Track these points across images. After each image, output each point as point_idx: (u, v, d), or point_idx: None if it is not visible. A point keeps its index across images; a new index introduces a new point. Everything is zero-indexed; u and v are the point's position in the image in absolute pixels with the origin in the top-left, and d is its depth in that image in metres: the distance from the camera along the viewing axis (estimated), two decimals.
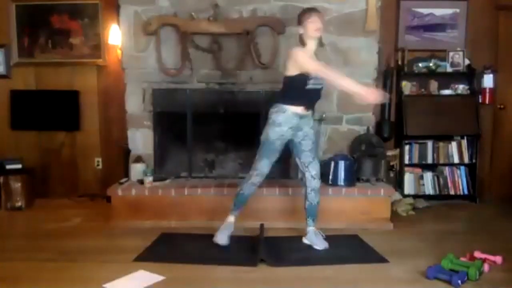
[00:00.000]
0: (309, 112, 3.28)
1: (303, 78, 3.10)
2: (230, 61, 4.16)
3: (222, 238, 3.29)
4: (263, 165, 3.23)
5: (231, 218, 3.34)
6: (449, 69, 4.71)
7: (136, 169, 4.09)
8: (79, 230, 3.78)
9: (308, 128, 3.27)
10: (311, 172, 3.28)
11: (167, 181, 4.07)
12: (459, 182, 4.70)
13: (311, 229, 3.32)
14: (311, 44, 3.17)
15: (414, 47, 4.73)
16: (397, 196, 4.35)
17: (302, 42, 3.19)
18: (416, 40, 4.77)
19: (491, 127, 4.85)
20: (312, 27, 3.11)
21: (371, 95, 2.98)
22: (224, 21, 4.09)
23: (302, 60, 3.08)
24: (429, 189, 4.70)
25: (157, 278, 2.74)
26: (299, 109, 3.18)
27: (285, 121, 3.15)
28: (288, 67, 3.15)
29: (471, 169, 4.70)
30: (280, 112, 3.16)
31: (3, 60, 4.77)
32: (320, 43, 3.25)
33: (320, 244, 3.25)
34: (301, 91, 3.13)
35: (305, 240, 3.35)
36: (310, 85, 3.12)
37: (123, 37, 4.21)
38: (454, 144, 4.69)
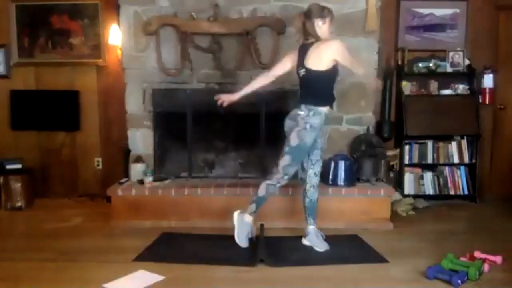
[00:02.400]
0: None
1: (337, 70, 3.10)
2: (230, 61, 4.16)
3: (245, 241, 3.25)
4: (293, 169, 3.20)
5: (251, 219, 3.28)
6: (449, 69, 4.71)
7: (136, 169, 4.09)
8: (79, 230, 3.78)
9: (324, 127, 3.26)
10: (315, 169, 3.28)
11: (167, 181, 4.07)
12: (459, 182, 4.70)
13: (312, 228, 3.31)
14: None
15: (414, 47, 4.73)
16: (397, 196, 4.35)
17: (317, 36, 3.10)
18: (416, 40, 4.77)
19: (491, 127, 4.85)
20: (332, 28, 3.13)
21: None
22: (224, 21, 4.09)
23: (346, 52, 3.04)
24: (429, 189, 4.70)
25: (157, 278, 2.74)
26: (327, 109, 3.18)
27: (320, 123, 3.13)
28: (324, 61, 3.03)
29: (471, 169, 4.70)
30: (317, 115, 3.09)
31: (3, 60, 4.78)
32: None
33: (321, 246, 3.25)
34: (331, 86, 3.12)
35: (305, 242, 3.33)
36: (335, 82, 3.14)
37: (123, 37, 4.21)
38: (454, 144, 4.69)
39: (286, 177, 3.20)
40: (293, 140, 3.11)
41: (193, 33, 4.10)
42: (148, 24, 4.11)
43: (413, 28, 4.76)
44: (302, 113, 3.11)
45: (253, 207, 3.25)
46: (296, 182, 3.77)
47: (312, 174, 3.29)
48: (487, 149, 4.86)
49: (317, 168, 3.29)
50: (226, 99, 3.30)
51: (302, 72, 3.13)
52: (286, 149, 3.15)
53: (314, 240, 3.28)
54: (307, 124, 3.09)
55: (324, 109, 3.14)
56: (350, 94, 4.19)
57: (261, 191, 3.22)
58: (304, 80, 3.15)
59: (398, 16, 4.75)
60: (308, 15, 3.11)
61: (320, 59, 3.05)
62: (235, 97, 3.32)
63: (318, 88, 3.12)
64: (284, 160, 3.16)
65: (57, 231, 3.75)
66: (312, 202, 3.31)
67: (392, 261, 3.02)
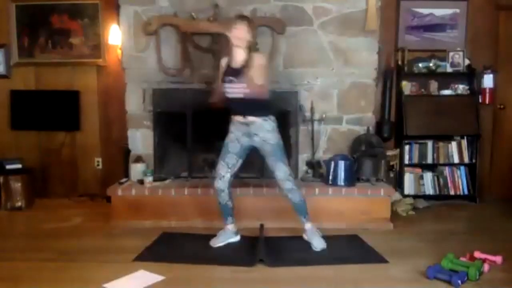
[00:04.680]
0: (256, 119, 3.18)
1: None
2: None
3: (214, 242, 3.32)
4: (219, 166, 3.30)
5: (228, 227, 3.38)
6: (449, 69, 4.71)
7: (136, 169, 4.09)
8: (79, 230, 3.78)
9: (264, 133, 3.20)
10: (278, 176, 3.24)
11: (167, 181, 4.07)
12: (459, 182, 4.70)
13: (308, 226, 3.31)
14: (236, 53, 3.16)
15: (414, 47, 4.73)
16: (397, 196, 4.35)
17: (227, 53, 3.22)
18: (416, 40, 4.77)
19: (491, 127, 4.85)
20: (235, 35, 3.11)
21: None
22: (224, 21, 4.08)
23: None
24: (429, 189, 4.70)
25: (157, 278, 2.74)
26: (239, 117, 3.23)
27: (235, 128, 3.26)
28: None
29: (471, 169, 4.69)
30: (231, 122, 3.28)
31: (3, 60, 4.78)
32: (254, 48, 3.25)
33: (317, 244, 3.24)
34: (233, 100, 3.18)
35: (305, 237, 3.34)
36: (229, 94, 3.16)
37: (123, 37, 4.22)
38: (454, 144, 4.69)
39: (218, 177, 3.30)
40: None
41: (193, 33, 4.10)
42: (148, 24, 4.11)
43: (413, 28, 4.76)
44: None
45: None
46: (296, 182, 3.77)
47: (279, 181, 3.26)
48: (487, 149, 4.86)
49: (280, 174, 3.23)
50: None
51: None
52: None
53: (311, 237, 3.28)
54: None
55: (235, 118, 3.25)
56: (350, 94, 4.20)
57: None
58: None
59: (398, 16, 4.75)
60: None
61: None
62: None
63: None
64: None
65: (57, 231, 3.75)
66: (296, 204, 3.29)
67: (392, 261, 3.02)
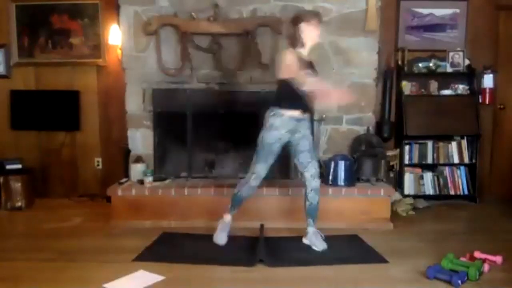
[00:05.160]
0: (306, 115, 3.27)
1: (295, 81, 3.11)
2: (230, 61, 4.16)
3: (222, 238, 3.31)
4: (261, 168, 3.24)
5: (228, 218, 3.36)
6: (449, 69, 4.71)
7: (136, 169, 4.09)
8: (79, 230, 3.78)
9: (305, 130, 3.27)
10: (310, 171, 3.28)
11: (167, 181, 4.07)
12: (459, 182, 4.70)
13: (311, 229, 3.32)
14: (305, 49, 3.18)
15: (414, 47, 4.73)
16: (397, 196, 4.35)
17: (294, 44, 3.18)
18: (416, 40, 4.77)
19: (491, 127, 4.85)
20: (313, 32, 3.13)
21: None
22: (224, 21, 4.09)
23: (288, 63, 3.09)
24: (429, 189, 4.70)
25: (157, 278, 2.74)
26: (296, 113, 3.19)
27: (282, 124, 3.16)
28: (281, 69, 3.13)
29: (471, 169, 4.70)
30: (276, 116, 3.16)
31: (3, 60, 4.78)
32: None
33: (319, 245, 3.24)
34: (294, 94, 3.12)
35: (305, 241, 3.35)
36: (305, 87, 3.11)
37: (123, 37, 4.22)
38: (454, 144, 4.69)
39: (253, 175, 3.25)
40: (258, 139, 3.23)
41: (193, 33, 4.10)
42: (148, 24, 4.11)
43: (413, 28, 4.76)
44: (267, 113, 3.22)
45: (229, 205, 3.35)
46: (296, 182, 3.78)
47: (309, 177, 3.28)
48: (487, 149, 4.86)
49: (312, 170, 3.28)
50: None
51: None
52: (256, 148, 3.25)
53: (313, 240, 3.29)
54: (267, 123, 3.19)
55: (288, 112, 3.17)
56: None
57: (236, 189, 3.33)
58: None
59: (398, 16, 4.75)
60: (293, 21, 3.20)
61: (278, 67, 3.18)
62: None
63: (279, 92, 3.22)
64: (253, 159, 3.26)
65: (57, 231, 3.75)
66: (312, 206, 3.31)
67: (392, 261, 3.01)
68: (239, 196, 3.32)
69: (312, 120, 4.00)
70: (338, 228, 3.64)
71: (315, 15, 3.19)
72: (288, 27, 3.21)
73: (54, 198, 4.74)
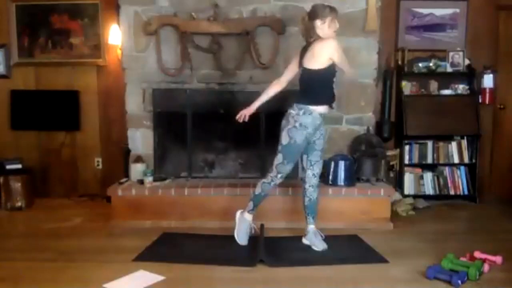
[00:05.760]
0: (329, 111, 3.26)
1: (333, 70, 3.09)
2: (230, 61, 4.16)
3: (244, 239, 3.31)
4: (289, 168, 3.22)
5: (250, 217, 3.34)
6: (449, 69, 4.71)
7: (136, 169, 4.09)
8: (79, 230, 3.78)
9: (323, 128, 3.26)
10: (314, 170, 3.28)
11: (167, 181, 4.07)
12: (459, 182, 4.70)
13: (311, 228, 3.31)
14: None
15: (414, 47, 4.73)
16: (397, 196, 4.35)
17: (308, 38, 3.15)
18: (416, 40, 4.77)
19: (491, 127, 4.85)
20: (334, 27, 3.11)
21: None
22: (224, 21, 4.09)
23: (341, 51, 3.07)
24: (429, 189, 4.70)
25: (157, 278, 2.74)
26: (323, 109, 3.16)
27: (312, 123, 3.11)
28: (319, 59, 3.05)
29: (471, 169, 4.70)
30: (307, 114, 3.09)
31: (3, 60, 4.77)
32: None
33: (319, 245, 3.25)
34: (328, 85, 3.11)
35: (305, 241, 3.35)
36: (331, 81, 3.12)
37: (123, 37, 4.22)
38: (454, 144, 4.69)
39: (279, 175, 3.23)
40: (284, 138, 3.15)
41: (193, 33, 4.10)
42: (148, 24, 4.11)
43: (413, 28, 4.76)
44: (293, 111, 3.13)
45: (250, 205, 3.31)
46: (296, 182, 3.78)
47: (311, 175, 3.29)
48: (487, 149, 4.86)
49: (316, 170, 3.29)
50: (246, 112, 3.31)
51: (300, 71, 3.17)
52: (279, 147, 3.19)
53: (313, 239, 3.29)
54: (296, 123, 3.10)
55: (318, 109, 3.12)
56: (350, 94, 4.19)
57: (257, 189, 3.29)
58: (301, 79, 3.19)
59: (398, 16, 4.75)
60: (309, 16, 3.13)
61: (315, 57, 3.07)
62: (252, 108, 3.33)
63: (311, 87, 3.12)
64: (277, 159, 3.20)
65: (57, 231, 3.75)
66: (312, 202, 3.31)
67: (392, 261, 3.02)
68: (262, 196, 3.30)
69: None
70: (338, 228, 3.64)
71: (330, 11, 3.10)
72: (303, 21, 3.15)
73: (54, 198, 4.74)
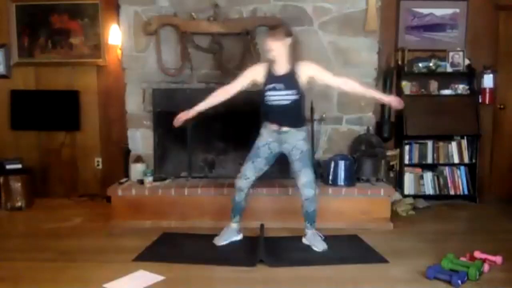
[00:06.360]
0: (288, 129, 3.20)
1: (262, 92, 3.18)
2: (230, 61, 4.16)
3: (219, 240, 3.34)
4: (246, 167, 3.28)
5: (232, 225, 3.39)
6: (449, 69, 4.70)
7: (136, 169, 4.09)
8: (79, 230, 3.78)
9: (295, 141, 3.21)
10: (301, 180, 3.23)
11: (167, 181, 4.08)
12: (459, 182, 4.70)
13: (309, 232, 3.33)
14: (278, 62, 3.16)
15: (414, 47, 4.73)
16: (397, 196, 4.35)
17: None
18: (416, 40, 4.77)
19: (491, 127, 4.84)
20: (268, 48, 3.14)
21: None
22: (224, 21, 4.09)
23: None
24: (429, 189, 4.70)
25: (157, 278, 2.74)
26: (273, 126, 3.22)
27: (266, 134, 3.26)
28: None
29: (471, 169, 4.70)
30: (264, 127, 3.28)
31: (3, 60, 4.77)
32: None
33: (319, 245, 3.25)
34: (266, 106, 3.19)
35: (305, 241, 3.35)
36: (271, 101, 3.14)
37: (123, 37, 4.22)
38: (454, 144, 4.69)
39: (238, 175, 3.31)
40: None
41: (193, 33, 4.10)
42: (148, 24, 4.11)
43: (413, 28, 4.76)
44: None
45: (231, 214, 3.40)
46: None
47: (301, 186, 3.24)
48: (487, 149, 4.85)
49: (303, 179, 3.22)
50: (182, 116, 3.32)
51: None
52: None
53: (312, 240, 3.29)
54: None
55: (267, 124, 3.25)
56: (350, 94, 4.18)
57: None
58: None
59: (398, 16, 4.75)
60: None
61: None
62: (190, 113, 3.34)
63: (261, 106, 3.25)
64: None
65: (57, 231, 3.75)
66: (309, 213, 3.30)
67: (392, 261, 3.02)
68: (233, 201, 3.36)
69: (312, 127, 4.02)
70: (338, 228, 3.64)
71: (274, 31, 3.18)
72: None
73: (54, 198, 4.74)
